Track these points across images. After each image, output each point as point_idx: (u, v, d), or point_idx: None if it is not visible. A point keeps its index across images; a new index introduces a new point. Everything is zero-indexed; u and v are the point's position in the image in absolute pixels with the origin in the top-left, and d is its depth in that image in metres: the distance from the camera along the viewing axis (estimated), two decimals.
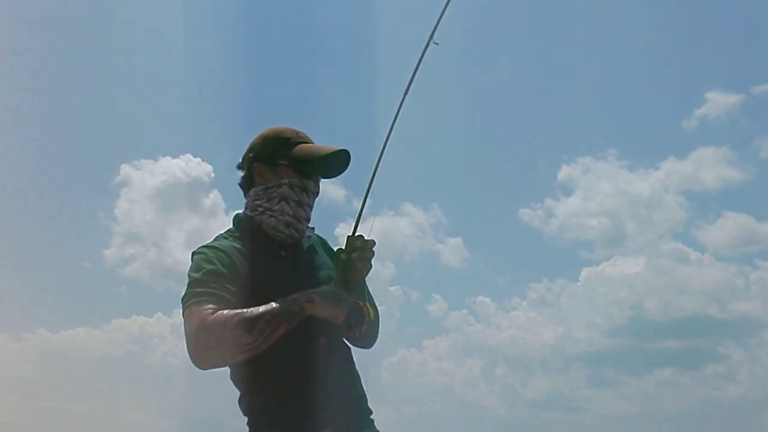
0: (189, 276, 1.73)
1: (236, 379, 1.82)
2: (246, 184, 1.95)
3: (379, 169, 1.89)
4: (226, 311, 1.63)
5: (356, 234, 1.84)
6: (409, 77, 1.92)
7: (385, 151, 1.90)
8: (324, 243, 2.03)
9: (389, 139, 1.90)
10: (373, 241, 1.83)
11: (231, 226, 1.92)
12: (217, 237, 1.86)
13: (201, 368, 1.63)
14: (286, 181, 1.88)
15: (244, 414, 1.81)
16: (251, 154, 1.93)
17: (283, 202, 1.87)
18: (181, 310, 1.68)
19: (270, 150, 1.91)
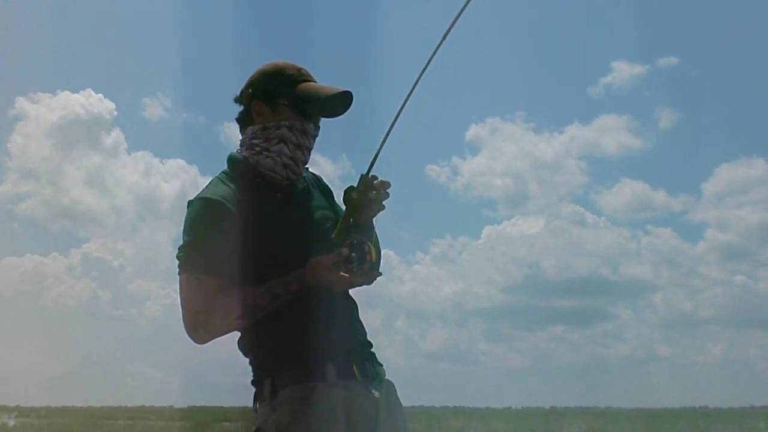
0: (185, 231, 1.78)
1: None
2: (243, 121, 1.90)
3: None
4: (226, 298, 1.72)
5: (370, 174, 1.80)
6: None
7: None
8: (319, 181, 2.01)
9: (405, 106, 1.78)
10: (389, 183, 1.80)
11: (226, 167, 1.88)
12: (212, 181, 1.85)
13: (198, 343, 1.74)
14: (286, 123, 1.84)
15: (245, 353, 1.84)
16: (250, 90, 1.88)
17: (282, 144, 1.84)
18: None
19: (270, 87, 1.86)
